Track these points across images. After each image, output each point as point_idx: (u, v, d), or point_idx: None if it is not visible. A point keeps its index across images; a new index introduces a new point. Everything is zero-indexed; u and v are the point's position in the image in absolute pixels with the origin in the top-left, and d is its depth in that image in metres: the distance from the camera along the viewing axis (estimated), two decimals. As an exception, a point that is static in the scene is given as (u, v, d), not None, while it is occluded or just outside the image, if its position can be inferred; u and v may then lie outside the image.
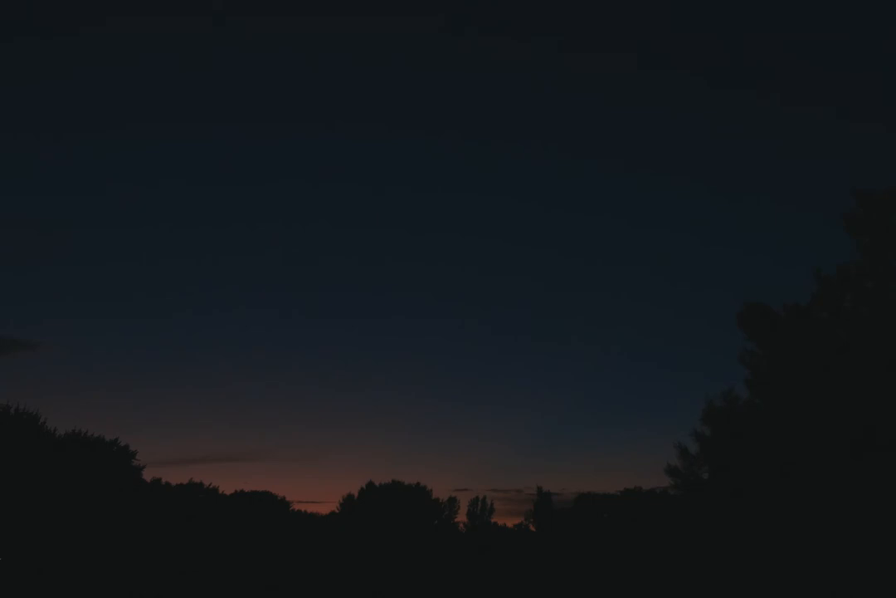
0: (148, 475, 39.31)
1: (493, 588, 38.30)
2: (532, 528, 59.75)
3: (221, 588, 34.23)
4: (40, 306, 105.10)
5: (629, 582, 34.54)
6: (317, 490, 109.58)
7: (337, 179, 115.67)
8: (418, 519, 55.06)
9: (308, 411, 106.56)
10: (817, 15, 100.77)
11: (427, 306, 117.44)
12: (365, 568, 43.71)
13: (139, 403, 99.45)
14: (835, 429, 16.83)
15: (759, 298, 20.24)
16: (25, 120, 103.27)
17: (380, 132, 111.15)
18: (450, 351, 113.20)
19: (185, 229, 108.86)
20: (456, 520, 58.55)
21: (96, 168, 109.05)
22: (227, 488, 53.61)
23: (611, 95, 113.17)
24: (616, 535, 46.26)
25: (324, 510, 78.06)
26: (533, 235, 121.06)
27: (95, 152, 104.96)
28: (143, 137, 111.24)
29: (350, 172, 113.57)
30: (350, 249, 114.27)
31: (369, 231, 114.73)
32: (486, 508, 60.03)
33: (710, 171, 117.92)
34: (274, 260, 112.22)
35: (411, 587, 38.83)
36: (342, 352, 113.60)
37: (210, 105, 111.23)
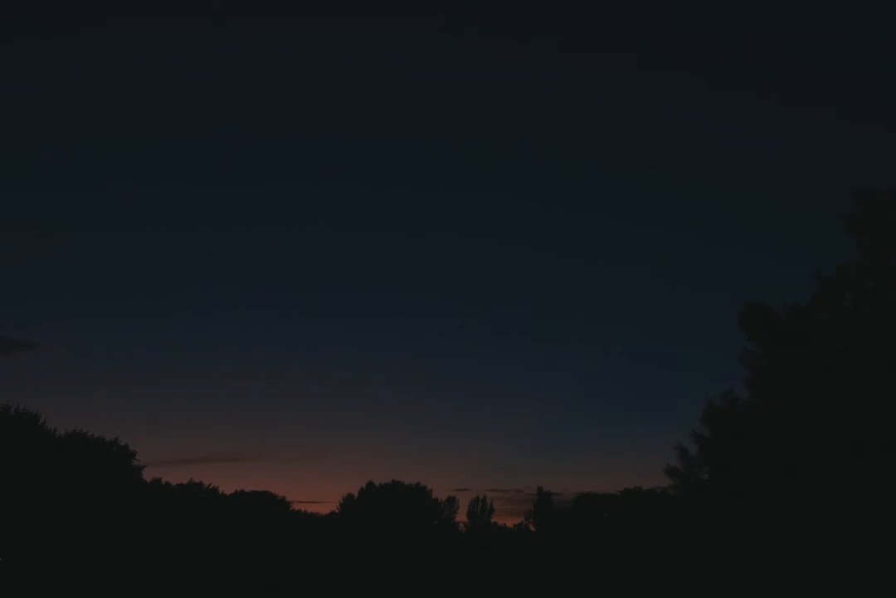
0: (148, 475, 39.43)
1: (493, 588, 38.29)
2: (532, 528, 59.74)
3: (221, 588, 34.22)
4: (40, 306, 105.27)
5: (629, 582, 34.52)
6: (317, 490, 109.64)
7: (337, 179, 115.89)
8: (418, 519, 55.02)
9: (308, 411, 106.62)
10: (817, 15, 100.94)
11: (427, 306, 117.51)
12: (365, 568, 43.68)
13: (139, 403, 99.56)
14: (835, 429, 16.82)
15: (759, 298, 20.35)
16: (25, 120, 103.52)
17: (380, 132, 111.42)
18: (450, 351, 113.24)
19: (185, 229, 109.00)
20: (456, 520, 58.64)
21: (96, 168, 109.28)
22: (227, 488, 53.74)
23: (611, 95, 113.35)
24: (616, 535, 46.24)
25: (324, 510, 78.20)
26: (533, 235, 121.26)
27: (95, 152, 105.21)
28: (143, 137, 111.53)
29: (350, 172, 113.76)
30: (350, 249, 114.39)
31: (369, 231, 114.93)
32: (486, 508, 60.03)
33: (710, 171, 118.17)
34: (274, 260, 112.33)
35: (411, 587, 38.82)
36: (342, 352, 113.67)
37: (210, 105, 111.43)
